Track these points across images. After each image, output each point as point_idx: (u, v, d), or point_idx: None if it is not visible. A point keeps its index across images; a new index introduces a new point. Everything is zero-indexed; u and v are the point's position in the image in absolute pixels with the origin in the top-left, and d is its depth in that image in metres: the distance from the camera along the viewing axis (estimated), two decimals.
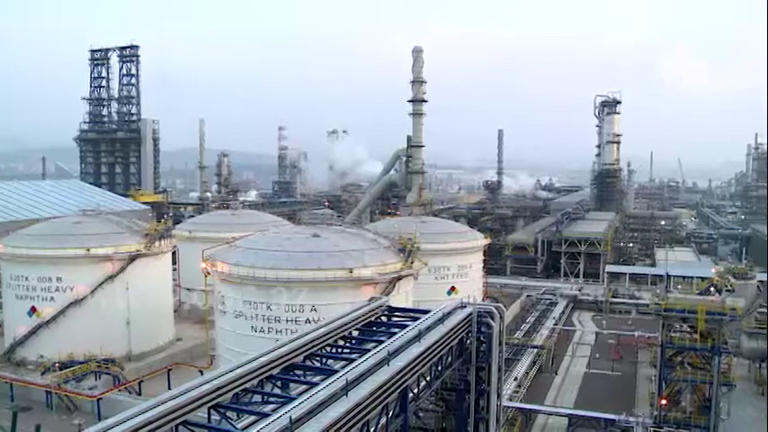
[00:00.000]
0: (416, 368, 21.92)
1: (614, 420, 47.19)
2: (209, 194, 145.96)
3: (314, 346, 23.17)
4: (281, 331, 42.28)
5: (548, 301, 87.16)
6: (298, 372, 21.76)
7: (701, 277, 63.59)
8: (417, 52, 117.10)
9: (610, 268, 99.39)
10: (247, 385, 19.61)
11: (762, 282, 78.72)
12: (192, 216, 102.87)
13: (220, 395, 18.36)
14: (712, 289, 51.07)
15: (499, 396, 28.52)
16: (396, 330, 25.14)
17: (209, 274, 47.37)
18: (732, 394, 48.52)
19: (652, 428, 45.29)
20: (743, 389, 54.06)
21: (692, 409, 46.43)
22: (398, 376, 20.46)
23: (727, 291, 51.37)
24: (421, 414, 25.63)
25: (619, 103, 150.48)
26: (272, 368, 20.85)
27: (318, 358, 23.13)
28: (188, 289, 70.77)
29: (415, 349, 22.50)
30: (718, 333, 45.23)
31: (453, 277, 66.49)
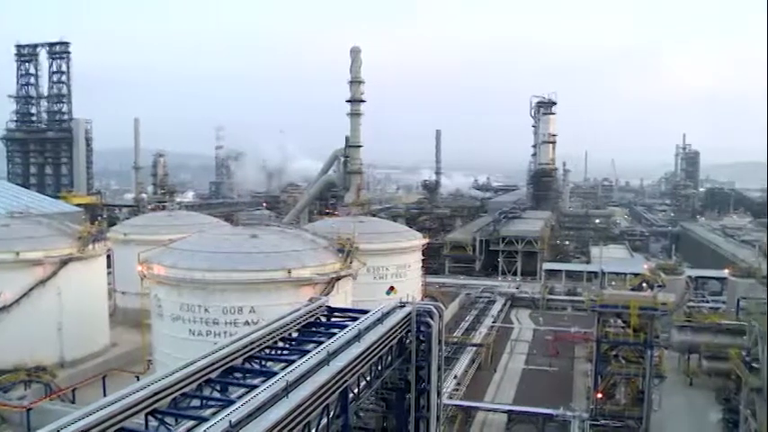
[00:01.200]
0: (357, 368, 21.88)
1: (552, 415, 47.99)
2: (144, 196, 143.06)
3: (253, 349, 22.90)
4: (219, 334, 41.66)
5: (486, 300, 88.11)
6: (237, 375, 21.47)
7: (634, 273, 65.27)
8: (355, 52, 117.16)
9: (546, 266, 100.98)
10: (186, 390, 19.24)
11: (690, 277, 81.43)
12: (128, 218, 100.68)
13: (158, 400, 17.95)
14: (644, 285, 52.44)
15: (439, 394, 28.67)
16: (335, 331, 25.03)
17: (145, 277, 46.39)
18: (663, 385, 50.01)
19: (588, 422, 46.25)
20: (673, 380, 55.69)
21: (627, 402, 47.60)
22: (339, 376, 20.39)
23: (659, 286, 52.87)
24: (362, 414, 25.56)
25: (554, 104, 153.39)
26: (211, 371, 20.51)
27: (258, 360, 22.86)
28: (123, 293, 69.17)
29: (355, 349, 22.46)
30: (650, 327, 46.49)
31: (392, 277, 66.53)
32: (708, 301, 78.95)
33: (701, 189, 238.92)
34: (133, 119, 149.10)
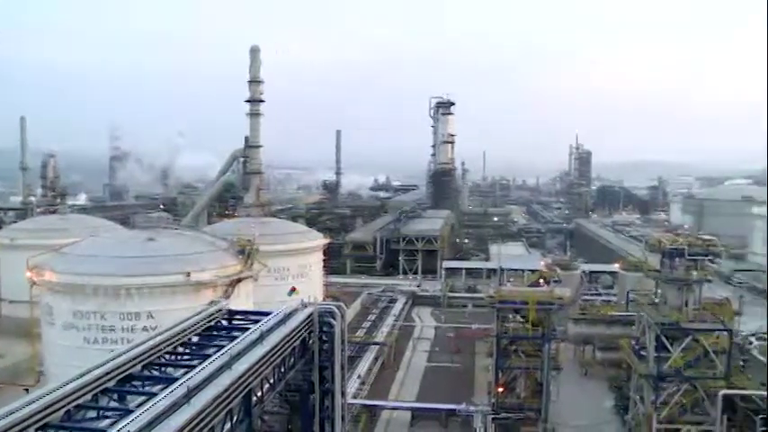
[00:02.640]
0: (260, 370, 21.59)
1: (455, 410, 48.83)
2: (33, 198, 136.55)
3: (152, 355, 22.24)
4: (116, 341, 40.31)
5: (388, 299, 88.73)
6: (136, 383, 20.79)
7: (531, 270, 66.96)
8: (254, 52, 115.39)
9: (447, 264, 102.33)
10: (80, 401, 18.45)
11: (584, 272, 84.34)
12: (15, 222, 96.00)
13: (49, 414, 17.15)
14: (541, 280, 53.83)
15: (343, 394, 28.64)
16: (237, 334, 24.64)
17: (35, 283, 44.37)
18: (560, 377, 51.63)
19: (490, 415, 47.23)
20: (569, 371, 57.59)
21: (526, 394, 48.82)
22: (241, 380, 20.07)
23: (555, 281, 54.43)
24: (266, 417, 25.24)
25: (452, 104, 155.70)
26: (108, 381, 19.77)
27: (158, 367, 22.22)
28: (10, 301, 66.05)
29: (258, 351, 22.16)
30: (547, 321, 47.86)
31: (294, 278, 66.06)
32: (601, 295, 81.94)
33: (593, 187, 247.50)
34: (19, 117, 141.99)
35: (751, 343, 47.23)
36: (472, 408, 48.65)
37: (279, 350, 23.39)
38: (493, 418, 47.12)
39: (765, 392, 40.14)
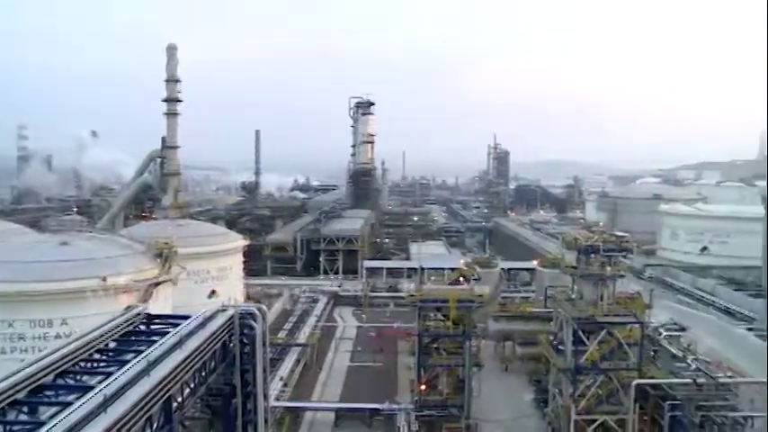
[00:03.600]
0: (179, 376, 21.15)
1: (379, 409, 48.94)
2: None
3: (66, 363, 21.44)
4: (26, 350, 38.80)
5: (309, 299, 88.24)
6: (48, 393, 19.98)
7: (452, 268, 67.70)
8: (171, 50, 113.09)
9: (367, 264, 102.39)
10: None
11: (503, 269, 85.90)
12: None
13: None
14: (461, 278, 54.49)
15: (266, 397, 28.39)
16: (156, 339, 24.04)
17: None
18: (482, 373, 52.45)
19: (414, 413, 47.53)
20: (490, 367, 58.57)
21: (449, 391, 49.34)
22: (161, 386, 19.59)
23: (475, 279, 55.23)
24: (187, 423, 24.75)
25: (372, 104, 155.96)
26: (16, 392, 18.88)
27: (72, 375, 21.42)
28: None
29: (177, 356, 21.69)
30: (468, 319, 48.51)
31: (213, 280, 65.11)
32: (519, 292, 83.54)
33: (511, 186, 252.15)
34: None
35: (660, 334, 48.90)
36: (395, 406, 48.90)
37: (199, 354, 22.98)
38: (416, 416, 47.43)
39: (672, 381, 41.96)
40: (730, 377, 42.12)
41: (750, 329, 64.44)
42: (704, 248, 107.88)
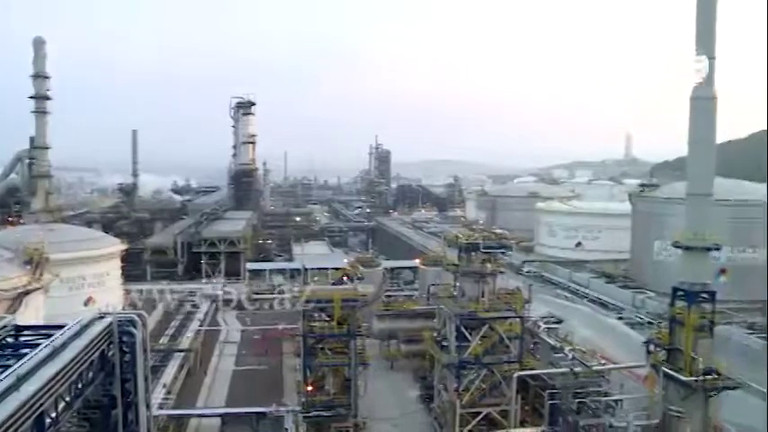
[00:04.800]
0: (53, 389, 20.05)
1: (265, 413, 48.33)
2: None
3: None
4: None
5: (191, 304, 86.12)
6: None
7: (335, 268, 67.85)
8: (39, 43, 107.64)
9: (250, 266, 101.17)
10: None
11: (386, 268, 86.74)
12: None
13: None
14: (345, 278, 54.68)
15: (148, 406, 27.45)
16: (26, 351, 22.67)
17: None
18: (368, 372, 52.76)
19: (301, 414, 47.26)
20: (376, 365, 58.97)
21: (335, 391, 49.37)
22: (32, 402, 18.48)
23: (358, 279, 55.55)
24: None
25: (253, 104, 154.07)
26: None
27: None
28: None
29: (50, 369, 20.53)
30: (352, 318, 48.69)
31: (89, 287, 62.66)
32: (403, 290, 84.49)
33: (393, 186, 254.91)
34: None
35: (539, 327, 50.68)
36: (282, 408, 48.45)
37: (74, 365, 21.91)
38: (304, 417, 47.20)
39: (551, 371, 43.66)
40: (603, 364, 44.30)
41: (620, 319, 67.91)
42: (578, 244, 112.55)
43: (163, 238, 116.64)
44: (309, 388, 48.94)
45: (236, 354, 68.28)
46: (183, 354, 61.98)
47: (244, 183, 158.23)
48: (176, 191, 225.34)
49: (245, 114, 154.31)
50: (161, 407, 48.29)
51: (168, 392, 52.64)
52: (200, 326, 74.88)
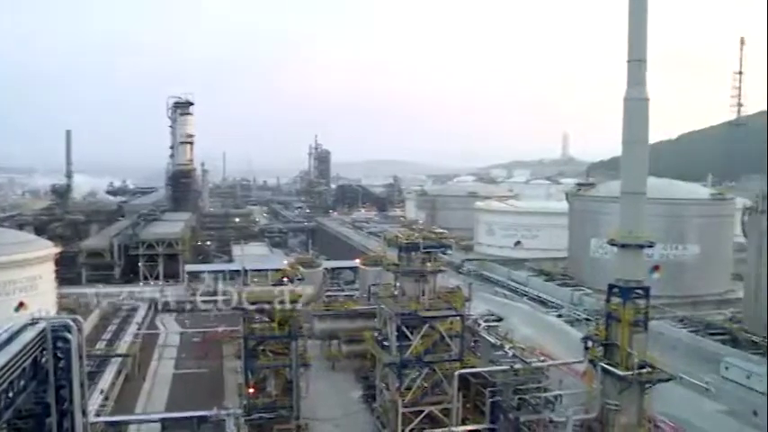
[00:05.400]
0: None
1: (206, 417, 47.70)
2: None
3: None
4: None
5: (129, 307, 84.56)
6: None
7: (275, 269, 67.42)
8: None
9: (189, 268, 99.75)
10: None
11: (326, 269, 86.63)
12: None
13: None
14: (285, 279, 54.36)
15: (85, 413, 26.89)
16: None
17: None
18: (309, 373, 52.60)
19: (243, 418, 46.82)
20: (317, 366, 58.82)
21: (277, 393, 49.07)
22: None
23: (299, 280, 55.26)
24: None
25: (191, 104, 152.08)
26: None
27: None
28: None
29: None
30: (293, 319, 48.48)
31: (21, 292, 61.07)
32: (343, 290, 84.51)
33: (333, 186, 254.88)
34: None
35: (480, 325, 51.22)
36: (223, 412, 47.90)
37: (5, 374, 21.32)
38: (245, 420, 46.74)
39: (491, 369, 44.23)
40: (543, 361, 45.07)
41: (559, 316, 69.17)
42: (517, 242, 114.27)
43: (98, 241, 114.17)
44: (251, 390, 48.52)
45: (175, 357, 67.30)
46: (120, 359, 60.84)
47: (182, 183, 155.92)
48: (112, 192, 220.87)
49: (182, 114, 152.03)
50: (98, 414, 47.34)
51: (106, 398, 51.67)
52: (139, 329, 73.61)
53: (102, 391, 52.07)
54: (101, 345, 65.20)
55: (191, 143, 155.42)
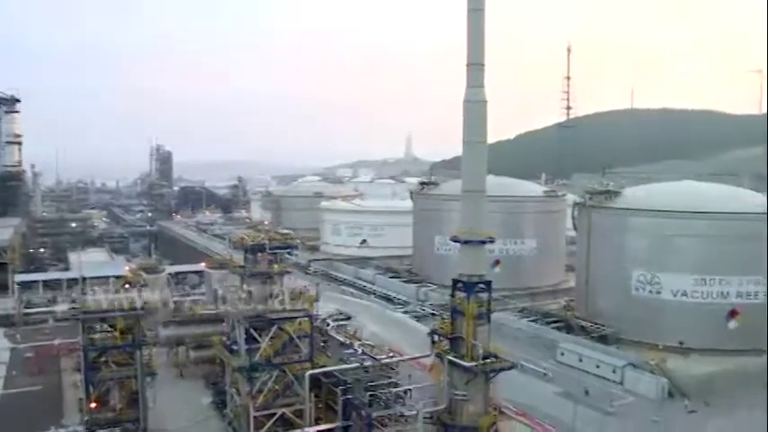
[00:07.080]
0: None
1: None
2: None
3: None
4: None
5: None
6: None
7: (116, 276, 64.88)
8: None
9: (20, 278, 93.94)
10: None
11: (170, 273, 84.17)
12: None
13: None
14: (127, 286, 52.46)
15: None
16: None
17: None
18: (156, 382, 50.93)
19: None
20: (165, 375, 57.07)
21: (122, 405, 47.37)
22: None
23: (142, 286, 53.44)
24: None
25: (17, 101, 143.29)
26: None
27: None
28: None
29: None
30: (137, 327, 46.86)
31: None
32: (189, 295, 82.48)
33: (176, 188, 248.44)
34: None
35: (329, 324, 51.59)
36: (63, 430, 45.63)
37: None
38: None
39: (342, 367, 44.67)
40: (391, 357, 46.08)
41: (406, 312, 70.91)
42: (363, 241, 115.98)
43: None
44: (93, 405, 46.42)
45: (5, 376, 63.02)
46: None
47: (10, 187, 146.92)
48: None
49: (8, 112, 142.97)
50: None
51: None
52: None
53: None
54: None
55: (19, 143, 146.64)
